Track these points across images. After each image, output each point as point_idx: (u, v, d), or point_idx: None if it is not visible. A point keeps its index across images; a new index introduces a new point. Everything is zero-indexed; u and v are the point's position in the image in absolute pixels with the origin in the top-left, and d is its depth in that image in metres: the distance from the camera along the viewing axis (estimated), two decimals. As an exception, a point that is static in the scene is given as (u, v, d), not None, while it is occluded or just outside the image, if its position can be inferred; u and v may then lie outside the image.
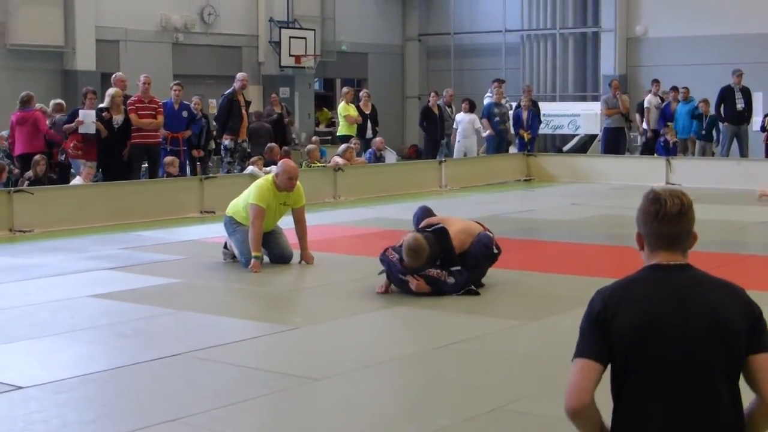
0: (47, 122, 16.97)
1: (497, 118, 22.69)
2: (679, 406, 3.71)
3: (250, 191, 10.84)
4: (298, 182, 10.89)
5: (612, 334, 3.73)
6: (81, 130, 16.53)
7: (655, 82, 24.50)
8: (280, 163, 11.18)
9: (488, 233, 9.58)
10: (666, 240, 3.84)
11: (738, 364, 3.74)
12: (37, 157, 15.92)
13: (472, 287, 9.16)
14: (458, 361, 7.14)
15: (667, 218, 3.80)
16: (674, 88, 23.73)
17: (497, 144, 22.86)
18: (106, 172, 16.88)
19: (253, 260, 10.49)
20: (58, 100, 18.42)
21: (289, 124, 23.52)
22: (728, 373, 3.74)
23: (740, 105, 22.20)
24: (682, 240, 3.87)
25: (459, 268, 9.11)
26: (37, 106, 17.40)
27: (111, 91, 17.22)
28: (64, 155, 16.99)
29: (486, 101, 23.46)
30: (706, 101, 23.03)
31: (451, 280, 9.05)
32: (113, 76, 17.66)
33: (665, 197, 3.82)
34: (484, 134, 22.71)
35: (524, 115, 22.99)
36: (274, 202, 10.72)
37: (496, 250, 9.50)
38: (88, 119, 16.53)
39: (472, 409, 5.95)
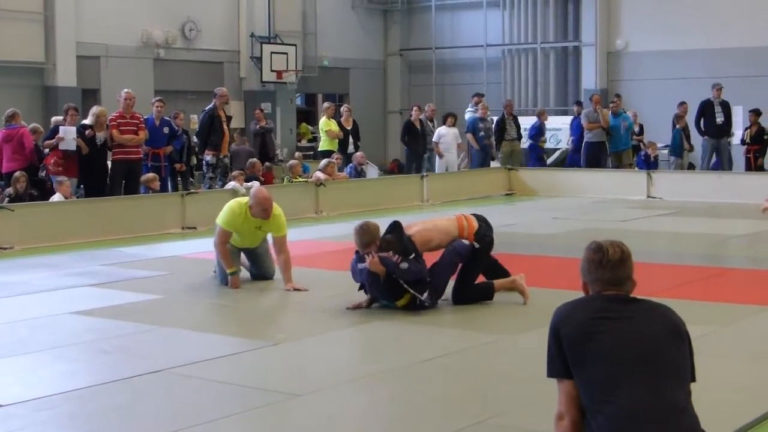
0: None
1: (482, 133, 22.77)
2: (634, 409, 3.95)
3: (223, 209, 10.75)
4: (279, 212, 10.60)
5: (562, 345, 4.14)
6: (61, 147, 16.49)
7: (616, 96, 24.60)
8: (252, 192, 10.82)
9: (464, 242, 9.37)
10: (609, 283, 4.25)
11: (686, 370, 4.14)
12: (17, 174, 15.86)
13: (426, 300, 9.07)
14: (440, 376, 7.14)
15: (610, 265, 4.24)
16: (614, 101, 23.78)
17: (482, 158, 22.94)
18: (87, 189, 16.84)
19: (230, 277, 10.44)
20: (58, 117, 18.34)
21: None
22: (676, 376, 4.08)
23: (720, 119, 22.29)
24: (624, 283, 4.26)
25: (414, 255, 9.06)
26: (30, 126, 17.40)
27: (96, 109, 17.20)
28: (44, 171, 16.94)
29: (467, 116, 23.51)
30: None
31: (404, 265, 8.95)
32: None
33: (606, 246, 4.27)
34: (473, 149, 22.92)
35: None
36: (246, 226, 10.51)
37: (477, 245, 9.40)
38: (68, 136, 16.49)
39: (454, 424, 5.95)
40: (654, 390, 3.96)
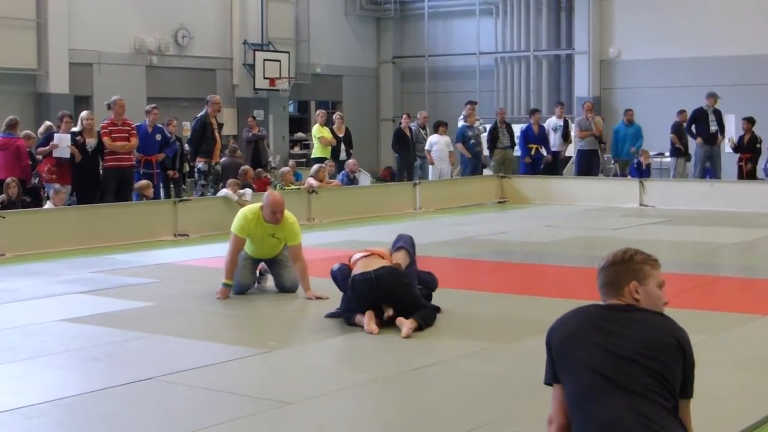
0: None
1: (472, 141, 22.78)
2: (606, 420, 3.96)
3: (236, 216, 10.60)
4: (293, 219, 10.46)
5: (552, 352, 4.21)
6: (55, 154, 16.41)
7: (560, 105, 24.59)
8: (265, 194, 10.71)
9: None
10: (603, 289, 4.30)
11: (668, 386, 4.08)
12: (8, 180, 15.79)
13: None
14: (432, 384, 7.13)
15: (604, 270, 4.30)
16: (627, 111, 23.79)
17: (473, 166, 22.95)
18: (79, 196, 16.79)
19: (221, 287, 10.37)
20: (48, 123, 18.27)
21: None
22: (655, 391, 4.03)
23: (713, 127, 22.32)
24: (615, 288, 4.27)
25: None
26: (23, 133, 17.35)
27: (84, 114, 17.15)
28: (37, 179, 16.86)
29: (460, 124, 23.52)
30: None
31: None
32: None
33: (611, 254, 4.31)
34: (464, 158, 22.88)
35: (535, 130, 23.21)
36: (259, 232, 10.36)
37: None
38: (63, 143, 16.40)
39: (446, 431, 5.94)
40: (631, 403, 3.95)
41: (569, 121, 24.06)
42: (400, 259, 9.22)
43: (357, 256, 9.29)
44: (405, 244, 9.44)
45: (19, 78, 23.29)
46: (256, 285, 10.89)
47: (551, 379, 4.22)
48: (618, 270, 4.26)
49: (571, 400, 4.09)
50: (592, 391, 4.00)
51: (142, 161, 18.06)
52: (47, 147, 16.49)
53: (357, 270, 9.00)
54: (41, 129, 18.02)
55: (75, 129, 16.87)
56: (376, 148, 32.29)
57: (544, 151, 23.22)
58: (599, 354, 4.06)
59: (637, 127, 23.29)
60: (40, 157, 16.74)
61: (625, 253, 4.29)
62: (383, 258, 9.14)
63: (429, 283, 9.52)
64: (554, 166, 23.57)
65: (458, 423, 6.10)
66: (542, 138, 23.24)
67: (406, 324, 8.51)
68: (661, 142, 24.42)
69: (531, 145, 23.13)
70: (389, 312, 8.71)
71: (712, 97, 22.44)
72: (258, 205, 10.52)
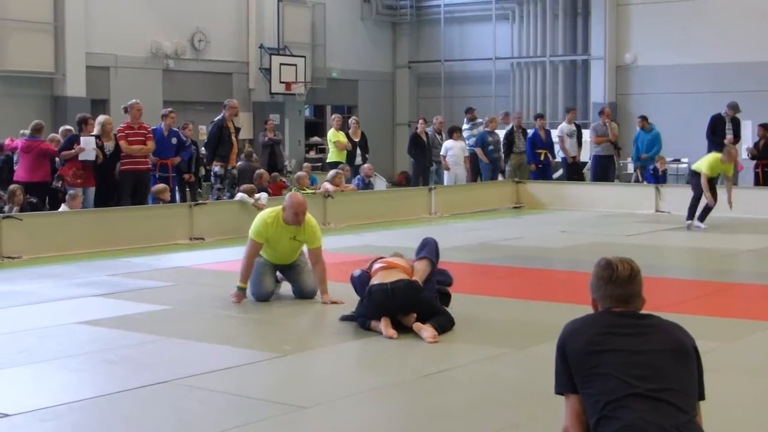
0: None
1: (491, 147, 22.78)
2: (625, 428, 3.97)
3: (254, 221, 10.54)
4: (314, 222, 10.42)
5: (568, 361, 4.17)
6: (82, 157, 16.32)
7: (571, 110, 24.41)
8: (287, 196, 10.58)
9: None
10: (618, 300, 4.27)
11: (690, 391, 4.12)
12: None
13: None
14: (446, 389, 7.13)
15: (620, 281, 4.27)
16: (643, 117, 23.60)
17: (491, 172, 22.94)
18: (96, 199, 16.80)
19: (236, 290, 10.38)
20: (68, 126, 18.30)
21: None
22: (678, 397, 4.05)
23: (729, 135, 22.24)
24: (633, 300, 4.29)
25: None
26: (49, 137, 17.39)
27: (101, 118, 17.18)
28: (60, 182, 16.78)
29: (465, 134, 23.43)
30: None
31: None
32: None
33: (616, 263, 4.31)
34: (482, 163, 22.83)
35: (542, 134, 23.09)
36: (280, 235, 10.30)
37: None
38: (89, 146, 16.37)
39: (460, 438, 5.94)
40: (656, 408, 3.96)
41: (580, 126, 23.98)
42: (421, 271, 9.14)
43: (377, 266, 9.27)
44: (429, 253, 9.33)
45: (36, 81, 23.38)
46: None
47: (567, 388, 4.18)
48: (639, 280, 4.31)
49: (595, 408, 4.05)
50: (619, 398, 3.99)
51: (157, 165, 18.07)
52: (72, 150, 16.43)
53: (375, 280, 9.01)
54: (60, 132, 18.09)
55: (94, 133, 16.89)
56: (392, 153, 32.31)
57: (550, 157, 23.20)
58: (624, 361, 4.05)
59: (656, 134, 23.14)
60: (58, 160, 16.74)
61: (632, 264, 4.32)
62: (403, 272, 9.09)
63: (445, 282, 9.55)
64: (578, 170, 23.52)
65: (473, 429, 6.10)
66: (549, 143, 23.21)
67: (426, 329, 8.52)
68: (678, 147, 24.42)
69: (540, 151, 23.04)
70: (411, 319, 8.71)
71: (732, 108, 22.30)
72: (278, 207, 10.45)
